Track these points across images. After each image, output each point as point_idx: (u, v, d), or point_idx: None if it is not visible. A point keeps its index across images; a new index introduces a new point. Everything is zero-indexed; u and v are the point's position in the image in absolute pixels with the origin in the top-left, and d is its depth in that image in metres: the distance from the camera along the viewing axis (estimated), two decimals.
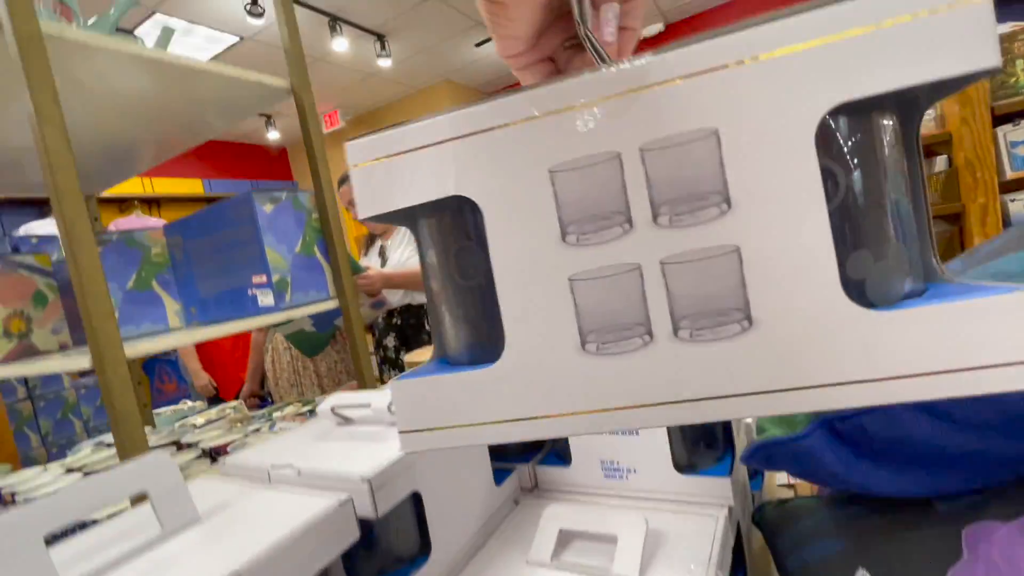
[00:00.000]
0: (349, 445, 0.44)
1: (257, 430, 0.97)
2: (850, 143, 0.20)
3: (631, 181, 0.20)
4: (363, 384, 0.83)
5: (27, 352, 0.76)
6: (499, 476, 0.51)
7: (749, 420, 0.59)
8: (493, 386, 0.22)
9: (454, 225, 0.25)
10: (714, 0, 4.13)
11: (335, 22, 3.21)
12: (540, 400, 0.21)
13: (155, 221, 3.60)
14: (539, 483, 0.53)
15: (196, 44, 3.22)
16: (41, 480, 0.83)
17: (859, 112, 0.20)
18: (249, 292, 0.67)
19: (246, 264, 0.66)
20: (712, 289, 0.19)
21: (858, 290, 0.19)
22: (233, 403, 1.35)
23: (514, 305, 0.21)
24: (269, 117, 4.59)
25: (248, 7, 2.75)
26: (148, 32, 2.95)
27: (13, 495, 0.78)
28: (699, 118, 0.19)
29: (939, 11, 0.17)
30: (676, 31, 4.39)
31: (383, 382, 1.83)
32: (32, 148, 0.76)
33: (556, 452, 0.54)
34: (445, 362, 0.27)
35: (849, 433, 0.34)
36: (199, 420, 1.24)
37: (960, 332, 0.17)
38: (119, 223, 3.50)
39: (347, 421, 0.50)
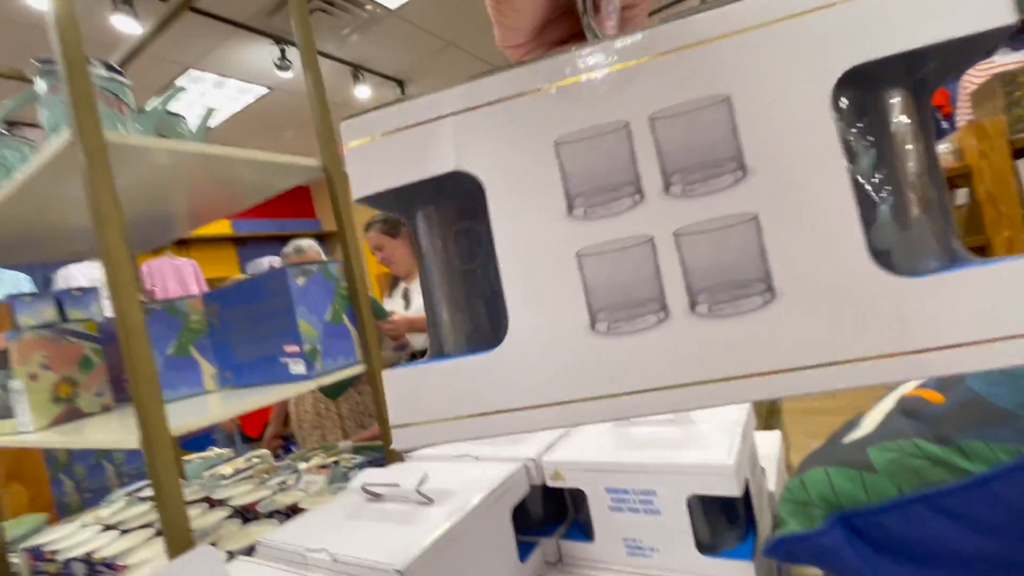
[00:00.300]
0: (380, 527, 0.46)
1: (284, 483, 0.99)
2: (867, 114, 0.20)
3: (641, 151, 0.19)
4: (384, 429, 0.85)
5: (73, 415, 0.80)
6: (523, 549, 0.52)
7: (772, 488, 0.59)
8: (495, 373, 0.20)
9: (454, 207, 0.24)
10: None
11: (358, 71, 3.36)
12: (547, 386, 0.20)
13: (184, 261, 3.74)
14: (563, 558, 0.54)
15: (228, 95, 3.39)
16: (80, 538, 0.86)
17: (873, 83, 0.20)
18: (281, 360, 0.70)
19: (279, 333, 0.70)
20: (730, 260, 0.18)
21: (885, 262, 0.18)
22: (259, 451, 1.38)
23: (518, 285, 0.20)
24: None
25: (277, 61, 2.90)
26: (183, 86, 3.13)
27: (55, 553, 0.81)
28: (710, 84, 0.18)
29: None
30: None
31: None
32: (86, 227, 0.82)
33: (579, 526, 0.55)
34: (442, 358, 0.26)
35: (868, 530, 0.35)
36: (228, 469, 1.27)
37: (1000, 297, 0.16)
38: (151, 264, 3.64)
39: (377, 497, 0.52)
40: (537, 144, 0.20)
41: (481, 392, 0.21)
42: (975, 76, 2.62)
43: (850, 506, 0.35)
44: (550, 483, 0.53)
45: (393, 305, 1.96)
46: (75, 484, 1.70)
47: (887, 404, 0.41)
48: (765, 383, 0.18)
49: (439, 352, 0.25)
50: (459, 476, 0.52)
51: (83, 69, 0.48)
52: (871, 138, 0.20)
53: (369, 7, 2.75)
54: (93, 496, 1.73)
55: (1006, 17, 0.16)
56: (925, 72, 0.20)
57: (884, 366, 0.17)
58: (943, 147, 2.18)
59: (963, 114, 2.79)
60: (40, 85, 0.66)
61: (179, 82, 3.08)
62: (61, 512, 1.62)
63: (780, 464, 0.66)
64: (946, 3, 0.17)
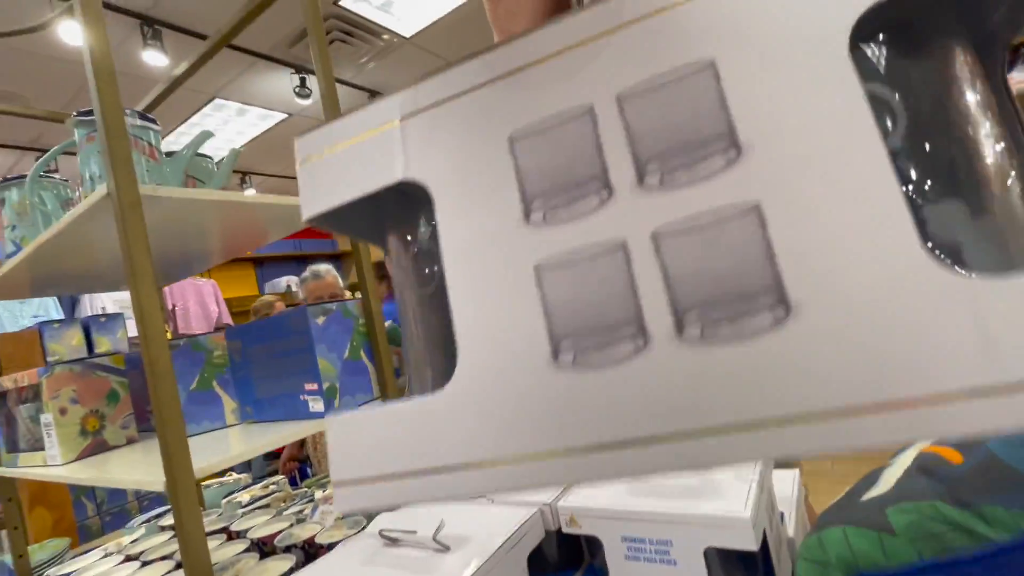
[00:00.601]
0: (396, 574, 0.46)
1: (301, 514, 1.00)
2: (910, 65, 0.15)
3: (608, 138, 0.15)
4: None
5: (99, 448, 0.83)
6: None
7: (791, 534, 0.58)
8: (440, 419, 0.16)
9: (411, 223, 0.21)
10: None
11: (374, 96, 3.45)
12: (500, 436, 0.16)
13: (204, 281, 3.82)
14: None
15: (249, 121, 3.50)
16: (102, 568, 0.87)
17: (915, 32, 0.15)
18: (301, 397, 0.72)
19: (299, 371, 0.71)
20: (727, 266, 0.14)
21: (951, 259, 0.13)
22: (276, 478, 1.40)
23: (467, 309, 0.17)
24: None
25: (297, 89, 2.99)
26: (208, 114, 3.24)
27: None
28: (689, 49, 0.15)
29: None
30: None
31: None
32: (115, 264, 0.85)
33: (595, 572, 0.55)
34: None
35: None
36: (245, 497, 1.28)
37: None
38: (172, 286, 3.74)
39: (394, 542, 0.52)
40: (489, 143, 0.17)
41: (425, 444, 0.16)
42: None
43: (869, 568, 0.35)
44: (566, 529, 0.53)
45: None
46: (96, 507, 1.74)
47: (905, 459, 0.41)
48: (779, 437, 0.12)
49: (411, 391, 0.22)
50: (475, 521, 0.53)
51: (121, 130, 0.51)
52: (921, 89, 0.15)
53: (386, 36, 2.83)
54: (113, 519, 1.76)
55: None
56: (988, 19, 0.15)
57: (963, 410, 0.11)
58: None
59: None
60: (78, 134, 0.69)
61: (205, 110, 3.19)
62: (82, 535, 1.65)
63: (800, 507, 0.65)
64: None
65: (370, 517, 0.93)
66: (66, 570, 0.91)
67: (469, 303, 0.17)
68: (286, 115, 3.49)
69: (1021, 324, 0.11)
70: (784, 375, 0.13)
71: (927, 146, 0.15)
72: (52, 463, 0.79)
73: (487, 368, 0.16)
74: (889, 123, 0.14)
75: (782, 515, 0.58)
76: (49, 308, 2.93)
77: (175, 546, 0.90)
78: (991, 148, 0.15)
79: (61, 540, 1.28)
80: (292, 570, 0.72)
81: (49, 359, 1.30)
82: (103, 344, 1.37)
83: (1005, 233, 0.15)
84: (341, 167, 0.20)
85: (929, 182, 0.14)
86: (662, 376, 0.14)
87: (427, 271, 0.21)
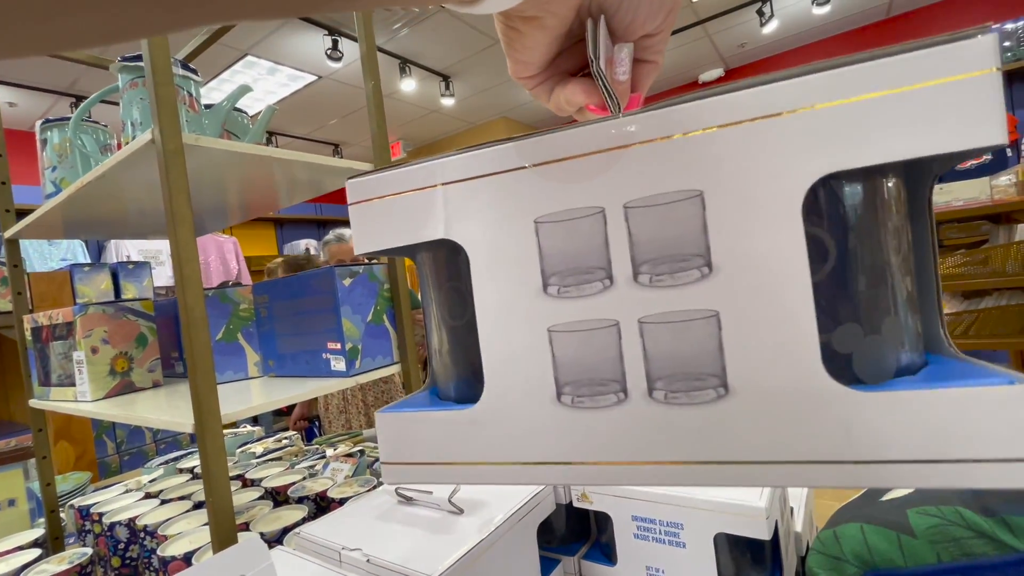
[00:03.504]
0: (412, 532, 0.47)
1: (312, 469, 1.03)
2: (844, 208, 0.19)
3: (614, 237, 0.19)
4: None
5: (127, 388, 0.85)
6: (545, 566, 0.53)
7: (798, 529, 0.58)
8: (471, 428, 0.22)
9: (447, 264, 0.25)
10: (776, 48, 4.10)
11: (405, 64, 3.41)
12: (516, 446, 0.21)
13: (226, 238, 3.88)
14: None
15: (279, 81, 3.49)
16: (124, 503, 0.91)
17: (856, 176, 0.19)
18: (323, 356, 0.73)
19: (323, 330, 0.73)
20: (689, 352, 0.19)
21: (845, 364, 0.18)
22: (288, 433, 1.44)
23: (494, 350, 0.21)
24: (336, 146, 4.88)
25: (328, 51, 2.97)
26: (239, 71, 3.24)
27: (100, 515, 0.87)
28: (685, 178, 0.18)
29: (940, 82, 0.16)
30: (736, 76, 4.37)
31: None
32: (147, 211, 0.87)
33: (602, 548, 0.56)
34: (435, 392, 0.28)
35: None
36: (258, 448, 1.32)
37: (949, 421, 0.16)
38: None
39: (408, 501, 0.54)
40: (519, 221, 0.21)
41: (460, 444, 0.22)
42: None
43: (885, 567, 0.35)
44: (577, 504, 0.54)
45: None
46: (116, 447, 1.81)
47: None
48: (712, 472, 0.19)
49: (433, 385, 0.27)
50: (488, 488, 0.54)
51: (168, 77, 0.51)
52: (850, 230, 0.19)
53: None
54: (131, 459, 1.83)
55: (997, 137, 0.15)
56: (924, 161, 0.18)
57: (827, 472, 0.17)
58: (1004, 179, 2.07)
59: None
60: (122, 80, 0.70)
61: (237, 67, 3.18)
62: (102, 471, 1.72)
63: (808, 503, 0.65)
64: (933, 118, 0.16)
65: (380, 477, 0.95)
66: (89, 501, 0.95)
67: (495, 346, 0.21)
68: (316, 77, 3.47)
69: (869, 422, 0.17)
70: (718, 433, 0.19)
71: (845, 279, 0.19)
72: (82, 399, 0.82)
73: (507, 397, 0.21)
74: (821, 259, 0.18)
75: (792, 510, 0.59)
76: (77, 253, 3.00)
77: (193, 487, 0.94)
78: (895, 278, 0.19)
79: (83, 474, 1.34)
80: (304, 519, 0.75)
81: (79, 300, 1.34)
82: (130, 290, 1.41)
83: (886, 348, 0.19)
84: (390, 215, 0.23)
85: (839, 308, 0.19)
86: (635, 423, 0.19)
87: (459, 307, 0.25)
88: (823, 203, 0.19)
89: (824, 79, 0.17)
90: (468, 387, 0.24)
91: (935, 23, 3.62)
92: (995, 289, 2.05)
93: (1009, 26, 3.25)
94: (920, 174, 0.20)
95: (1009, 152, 3.39)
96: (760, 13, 3.32)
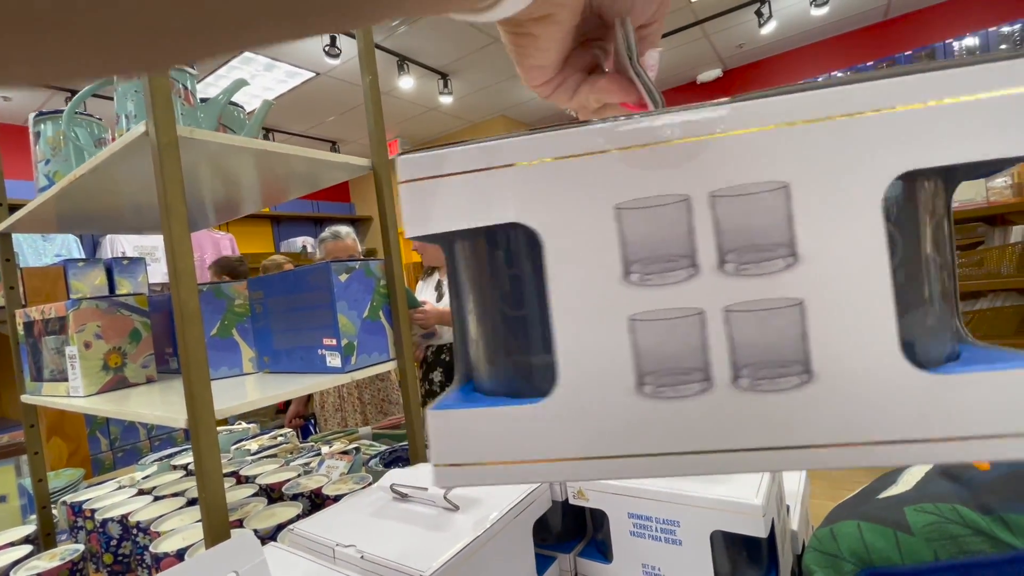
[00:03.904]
0: (407, 529, 0.47)
1: (308, 466, 1.03)
2: (913, 205, 0.20)
3: (699, 226, 0.20)
4: (411, 423, 0.86)
5: (120, 384, 0.85)
6: (540, 563, 0.53)
7: (794, 527, 0.58)
8: (543, 423, 0.21)
9: (507, 250, 0.24)
10: (774, 48, 4.11)
11: (403, 62, 3.40)
12: (592, 440, 0.21)
13: (222, 235, 3.86)
14: (579, 574, 0.54)
15: (277, 78, 3.48)
16: (116, 499, 0.91)
17: (914, 179, 0.20)
18: (319, 352, 0.73)
19: (319, 326, 0.72)
20: (774, 340, 0.19)
21: (910, 351, 0.19)
22: (283, 431, 1.43)
23: (570, 341, 0.21)
24: (334, 143, 4.86)
25: (326, 48, 2.96)
26: (236, 67, 3.22)
27: (92, 511, 0.86)
28: (770, 170, 0.19)
29: (1004, 94, 0.18)
30: (734, 77, 4.38)
31: None
32: (142, 206, 0.86)
33: (597, 545, 0.56)
34: (470, 389, 0.26)
35: None
36: (253, 446, 1.32)
37: (1011, 398, 0.18)
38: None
39: (403, 497, 0.53)
40: (599, 206, 0.20)
41: (528, 440, 0.21)
42: None
43: (882, 565, 0.35)
44: (573, 501, 0.54)
45: (425, 290, 2.00)
46: (110, 443, 1.80)
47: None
48: (795, 456, 0.20)
49: (467, 382, 0.26)
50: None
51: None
52: (912, 227, 0.20)
53: None
54: (125, 456, 1.82)
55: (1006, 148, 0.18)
56: (956, 171, 0.21)
57: (904, 450, 0.19)
58: (999, 180, 2.08)
59: None
60: None
61: (233, 63, 3.17)
62: (95, 468, 1.71)
63: (805, 501, 0.65)
64: (1000, 125, 0.18)
65: (376, 475, 0.95)
66: (81, 497, 0.94)
67: (572, 337, 0.21)
68: (314, 74, 3.46)
69: (941, 403, 0.19)
70: (802, 418, 0.19)
71: (911, 271, 0.20)
72: (75, 394, 0.81)
73: (585, 389, 0.20)
74: (893, 251, 0.19)
75: (788, 508, 0.59)
76: (71, 248, 2.98)
77: (186, 484, 0.93)
78: (939, 270, 0.21)
79: (76, 470, 1.33)
80: (299, 517, 0.74)
81: (72, 296, 1.33)
82: (124, 286, 1.40)
83: (941, 334, 0.21)
84: (452, 196, 0.21)
85: (908, 297, 0.20)
86: (719, 410, 0.20)
87: (517, 296, 0.24)
88: (895, 199, 0.20)
89: (901, 83, 0.18)
90: (523, 381, 0.23)
91: (933, 25, 3.63)
92: (990, 291, 2.06)
93: (1005, 29, 3.27)
94: (952, 177, 0.22)
95: None
96: (759, 14, 3.33)
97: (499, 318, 0.25)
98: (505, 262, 0.24)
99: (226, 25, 0.12)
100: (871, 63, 3.63)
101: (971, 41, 3.39)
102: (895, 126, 0.18)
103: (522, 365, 0.24)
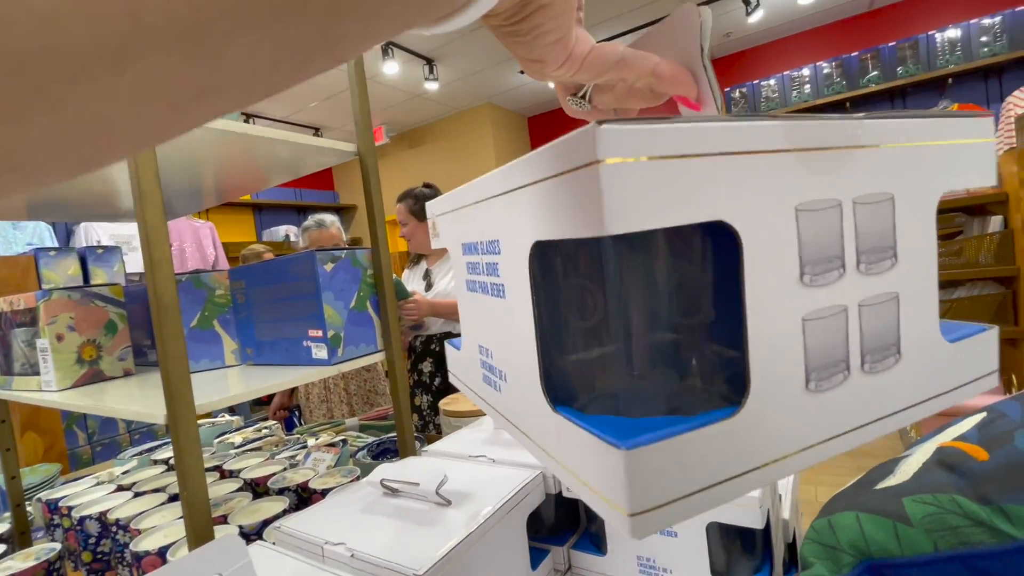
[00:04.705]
0: (398, 525, 0.46)
1: (294, 459, 1.01)
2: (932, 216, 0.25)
3: (847, 230, 0.22)
4: (399, 415, 0.85)
5: (96, 378, 0.82)
6: (534, 556, 0.52)
7: (786, 516, 0.58)
8: (736, 437, 0.20)
9: (700, 250, 0.23)
10: (761, 38, 4.11)
11: (388, 46, 3.33)
12: (775, 442, 0.21)
13: (202, 223, 3.77)
14: (573, 568, 0.54)
15: None
16: (94, 496, 0.88)
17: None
18: (304, 344, 0.70)
19: (304, 317, 0.70)
20: (884, 327, 0.23)
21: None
22: (268, 423, 1.40)
23: (762, 346, 0.20)
24: (317, 130, 4.76)
25: None
26: None
27: (70, 509, 0.83)
28: (885, 182, 0.23)
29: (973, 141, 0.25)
30: (721, 65, 4.37)
31: (414, 405, 1.86)
32: (117, 192, 0.82)
33: (591, 537, 0.55)
34: (568, 409, 0.23)
35: None
36: (237, 439, 1.29)
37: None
38: (169, 223, 3.68)
39: (394, 492, 0.52)
40: (784, 205, 0.21)
41: (726, 456, 0.20)
42: (1021, 100, 2.53)
43: (881, 556, 0.35)
44: (566, 493, 0.53)
45: (413, 279, 1.97)
46: (88, 437, 1.75)
47: (924, 452, 0.40)
48: (894, 420, 0.24)
49: (571, 400, 0.24)
50: (477, 479, 0.53)
51: None
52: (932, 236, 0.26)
53: None
54: (104, 450, 1.78)
55: (990, 180, 0.25)
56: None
57: (939, 399, 0.25)
58: None
59: (1004, 138, 2.71)
60: None
61: None
62: (73, 463, 1.66)
63: (795, 491, 0.65)
64: (976, 163, 0.25)
65: (364, 468, 0.93)
66: (58, 494, 0.91)
67: (764, 341, 0.20)
68: None
69: (957, 363, 0.27)
70: (898, 390, 0.24)
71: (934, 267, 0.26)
72: (47, 389, 0.78)
73: (771, 393, 0.21)
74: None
75: (780, 498, 0.59)
76: (44, 237, 2.88)
77: (167, 479, 0.91)
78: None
79: (52, 465, 1.29)
80: (285, 512, 0.73)
81: (44, 286, 1.28)
82: (99, 276, 1.35)
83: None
84: (657, 184, 0.18)
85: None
86: (854, 394, 0.22)
87: (693, 303, 0.24)
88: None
89: (938, 124, 0.24)
90: (702, 392, 0.24)
91: (916, 17, 3.66)
92: (968, 280, 2.11)
93: (986, 21, 3.30)
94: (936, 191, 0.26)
95: None
96: (746, 2, 3.31)
97: (669, 328, 0.24)
98: (699, 262, 0.23)
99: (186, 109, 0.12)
100: (855, 53, 3.65)
101: (953, 33, 3.42)
102: (939, 156, 0.24)
103: (706, 373, 0.24)
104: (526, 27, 0.23)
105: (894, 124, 0.23)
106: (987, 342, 0.26)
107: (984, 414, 0.42)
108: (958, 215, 2.30)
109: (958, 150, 0.24)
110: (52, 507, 0.88)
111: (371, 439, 1.19)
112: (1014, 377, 1.98)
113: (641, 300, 0.24)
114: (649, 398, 0.23)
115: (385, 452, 1.08)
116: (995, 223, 2.03)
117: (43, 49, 0.08)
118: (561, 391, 0.24)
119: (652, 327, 0.24)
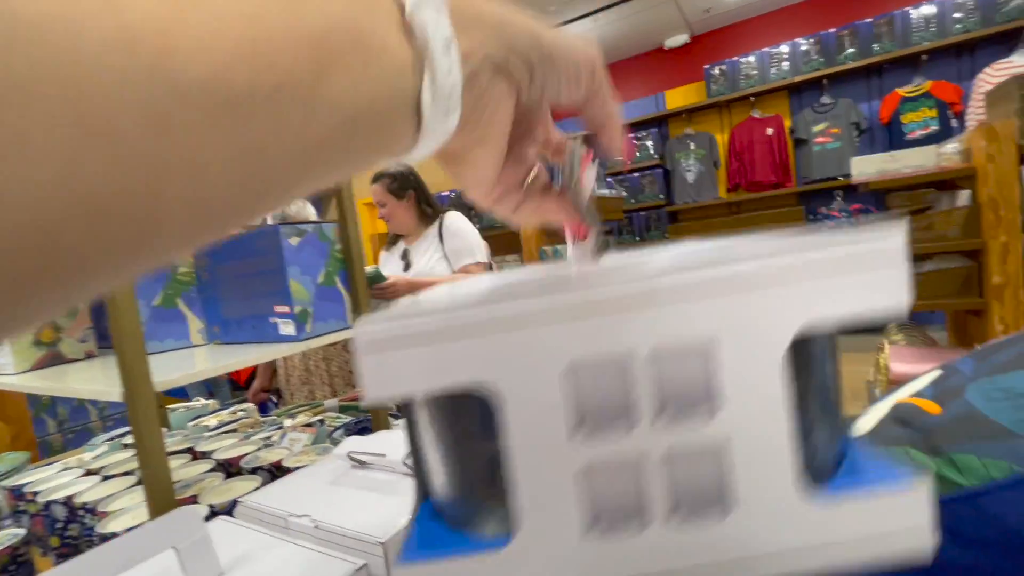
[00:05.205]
0: (363, 495, 0.46)
1: (268, 439, 1.00)
2: (793, 357, 0.22)
3: (640, 379, 0.21)
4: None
5: (55, 360, 0.79)
6: None
7: None
8: (507, 568, 0.22)
9: (469, 408, 0.24)
10: (741, 14, 4.09)
11: None
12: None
13: None
14: None
15: None
16: (62, 480, 0.86)
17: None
18: (271, 320, 0.69)
19: (270, 293, 0.68)
20: (694, 479, 0.22)
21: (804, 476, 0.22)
22: (244, 405, 1.38)
23: (527, 494, 0.22)
24: None
25: None
26: None
27: (36, 494, 0.81)
28: (700, 330, 0.21)
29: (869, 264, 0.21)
30: (701, 42, 4.35)
31: None
32: None
33: None
34: (428, 508, 0.27)
35: None
36: (212, 422, 1.27)
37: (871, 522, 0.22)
38: None
39: (361, 465, 0.51)
40: (549, 366, 0.21)
41: None
42: (993, 76, 2.57)
43: None
44: None
45: (391, 260, 1.94)
46: (58, 424, 1.70)
47: (881, 409, 0.41)
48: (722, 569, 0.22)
49: (428, 498, 0.27)
50: None
51: None
52: (797, 378, 0.23)
53: None
54: (76, 437, 1.73)
55: (901, 302, 0.21)
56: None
57: (795, 556, 0.22)
58: (950, 147, 2.15)
59: (975, 114, 2.75)
60: None
61: None
62: (43, 451, 1.62)
63: None
64: (859, 290, 0.21)
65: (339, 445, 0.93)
66: (23, 480, 0.89)
67: (529, 487, 0.21)
68: None
69: (819, 520, 0.22)
70: (721, 547, 0.22)
71: (800, 414, 0.22)
72: (3, 372, 0.75)
73: (543, 535, 0.22)
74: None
75: None
76: None
77: (137, 463, 0.89)
78: (828, 394, 0.25)
79: (21, 454, 1.26)
80: (258, 490, 0.72)
81: None
82: None
83: (824, 455, 0.24)
84: (412, 362, 0.21)
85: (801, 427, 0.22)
86: (655, 545, 0.22)
87: (482, 446, 0.24)
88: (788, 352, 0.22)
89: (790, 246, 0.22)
90: (484, 520, 0.24)
91: None
92: (936, 253, 2.16)
93: None
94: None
95: (954, 123, 3.52)
96: None
97: (464, 466, 0.25)
98: (470, 421, 0.24)
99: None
100: (833, 30, 3.65)
101: (928, 9, 3.45)
102: (790, 293, 0.21)
103: (485, 508, 0.25)
104: (450, 170, 0.26)
105: (725, 277, 0.21)
106: (909, 493, 0.21)
107: (940, 371, 0.43)
108: (929, 191, 2.34)
109: (830, 280, 0.21)
110: (16, 493, 0.86)
111: (348, 419, 1.19)
112: (978, 347, 2.05)
113: (443, 452, 0.26)
114: (460, 515, 0.25)
115: (363, 432, 1.08)
116: (963, 197, 2.07)
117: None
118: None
119: (457, 467, 0.25)
